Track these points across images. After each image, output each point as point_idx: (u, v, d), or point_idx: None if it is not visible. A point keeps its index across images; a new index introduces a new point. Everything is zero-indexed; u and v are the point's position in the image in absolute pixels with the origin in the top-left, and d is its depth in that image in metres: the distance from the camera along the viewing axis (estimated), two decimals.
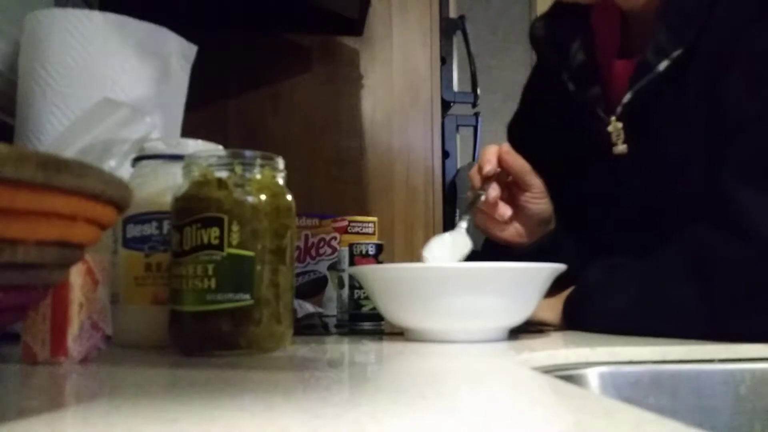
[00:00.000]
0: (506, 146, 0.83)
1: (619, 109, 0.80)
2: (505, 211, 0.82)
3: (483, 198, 0.81)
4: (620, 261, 0.76)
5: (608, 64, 0.84)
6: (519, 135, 0.95)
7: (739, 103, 0.71)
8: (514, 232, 0.86)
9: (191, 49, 0.93)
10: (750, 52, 0.70)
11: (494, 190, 0.81)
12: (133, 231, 0.61)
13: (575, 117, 0.86)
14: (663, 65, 0.75)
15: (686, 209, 0.71)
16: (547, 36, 0.89)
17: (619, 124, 0.81)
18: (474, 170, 0.84)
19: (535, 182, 0.84)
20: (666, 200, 0.77)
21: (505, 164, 0.83)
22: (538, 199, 0.84)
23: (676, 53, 0.74)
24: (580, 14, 0.87)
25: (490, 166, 0.81)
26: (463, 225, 0.79)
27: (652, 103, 0.77)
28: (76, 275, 0.48)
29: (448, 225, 1.70)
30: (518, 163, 0.82)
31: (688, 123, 0.75)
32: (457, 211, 1.75)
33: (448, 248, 0.75)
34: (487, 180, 0.82)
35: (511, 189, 0.85)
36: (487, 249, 0.89)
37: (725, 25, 0.72)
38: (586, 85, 0.84)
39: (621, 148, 0.81)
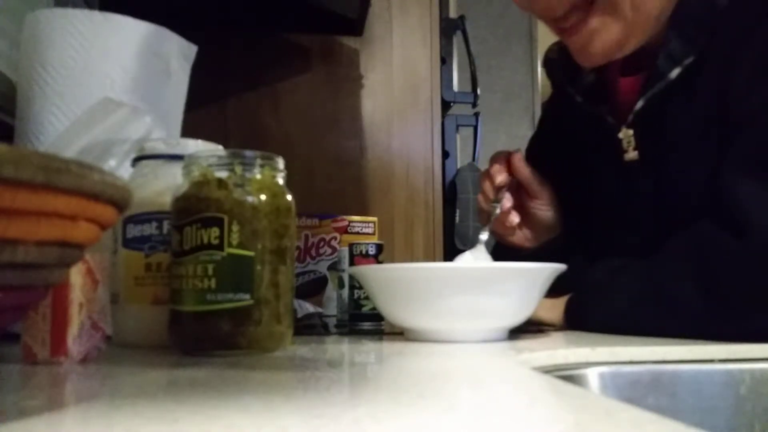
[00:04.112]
0: (517, 153, 0.87)
1: (630, 117, 0.80)
2: (513, 218, 0.87)
3: (498, 210, 0.86)
4: (623, 262, 0.76)
5: (614, 81, 0.85)
6: (536, 152, 0.99)
7: (741, 100, 0.71)
8: (522, 236, 0.90)
9: (191, 49, 0.93)
10: (754, 51, 0.70)
11: (508, 201, 0.86)
12: (133, 231, 0.61)
13: (587, 127, 0.88)
14: (675, 73, 0.75)
15: (697, 214, 0.71)
16: (561, 58, 0.91)
17: (630, 132, 0.81)
18: (486, 181, 0.88)
19: (543, 191, 0.88)
20: (677, 206, 0.78)
21: (514, 170, 0.87)
22: (545, 207, 0.89)
23: (687, 61, 0.74)
24: None
25: (501, 176, 0.86)
26: (482, 238, 0.84)
27: (663, 109, 0.78)
28: (76, 275, 0.48)
29: (448, 225, 1.71)
30: (525, 171, 0.87)
31: (699, 128, 0.75)
32: (457, 211, 1.75)
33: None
34: (499, 189, 0.86)
35: (521, 196, 0.89)
36: (496, 251, 0.91)
37: (734, 31, 0.72)
38: (595, 101, 0.86)
39: (632, 154, 0.82)
